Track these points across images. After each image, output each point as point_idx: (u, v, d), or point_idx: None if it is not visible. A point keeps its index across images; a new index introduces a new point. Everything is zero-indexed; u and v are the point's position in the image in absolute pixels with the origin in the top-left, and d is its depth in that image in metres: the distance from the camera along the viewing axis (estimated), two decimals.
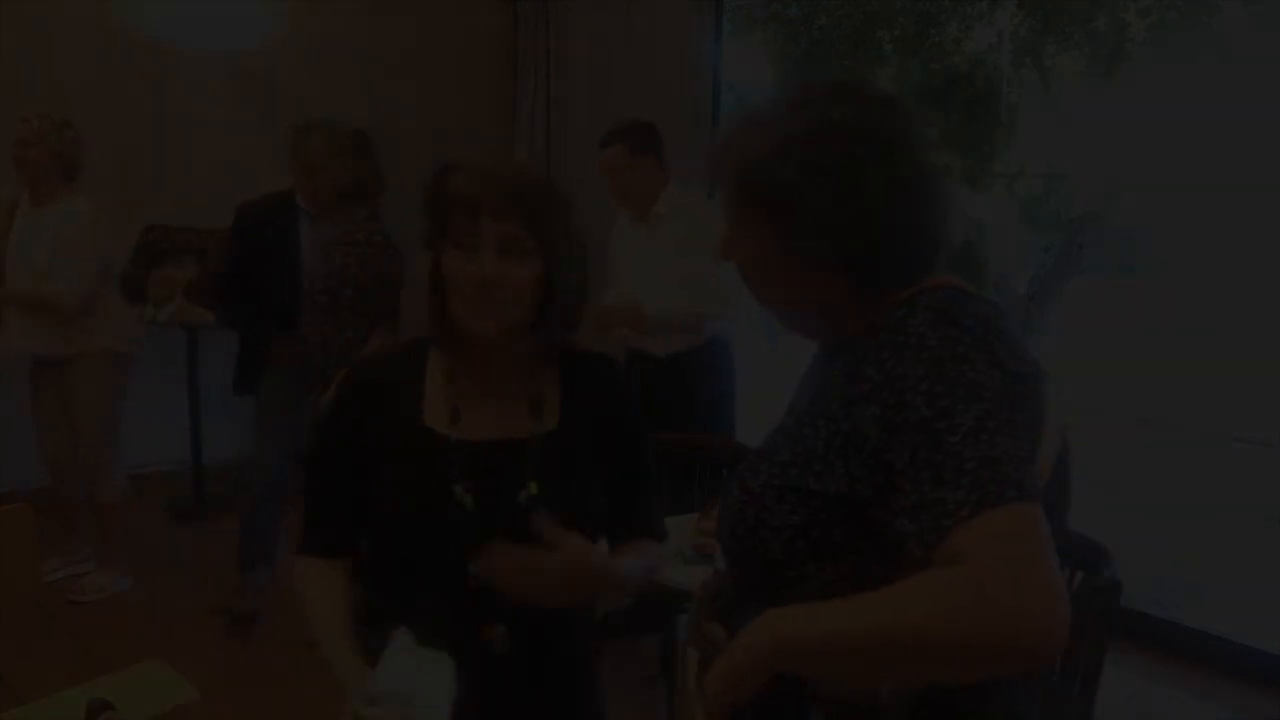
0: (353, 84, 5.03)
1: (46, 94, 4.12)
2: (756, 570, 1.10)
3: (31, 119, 3.52)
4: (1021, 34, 6.37)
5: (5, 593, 2.30)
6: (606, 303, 3.41)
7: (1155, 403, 6.37)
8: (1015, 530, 0.87)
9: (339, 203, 3.27)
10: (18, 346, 3.68)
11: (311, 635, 1.41)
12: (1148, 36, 6.00)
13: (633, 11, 4.89)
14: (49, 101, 3.80)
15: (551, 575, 1.29)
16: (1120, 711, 2.99)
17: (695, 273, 3.25)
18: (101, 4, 4.55)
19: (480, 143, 5.34)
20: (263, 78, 4.83)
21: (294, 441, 3.40)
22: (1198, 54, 5.76)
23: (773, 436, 1.15)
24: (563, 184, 1.45)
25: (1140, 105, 5.95)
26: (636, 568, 1.44)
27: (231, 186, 3.99)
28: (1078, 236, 6.51)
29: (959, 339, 0.99)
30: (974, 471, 0.90)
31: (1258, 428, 5.77)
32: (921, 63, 6.60)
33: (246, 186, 3.85)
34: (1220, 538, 4.77)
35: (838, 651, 0.93)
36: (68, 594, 3.64)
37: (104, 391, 3.68)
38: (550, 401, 1.46)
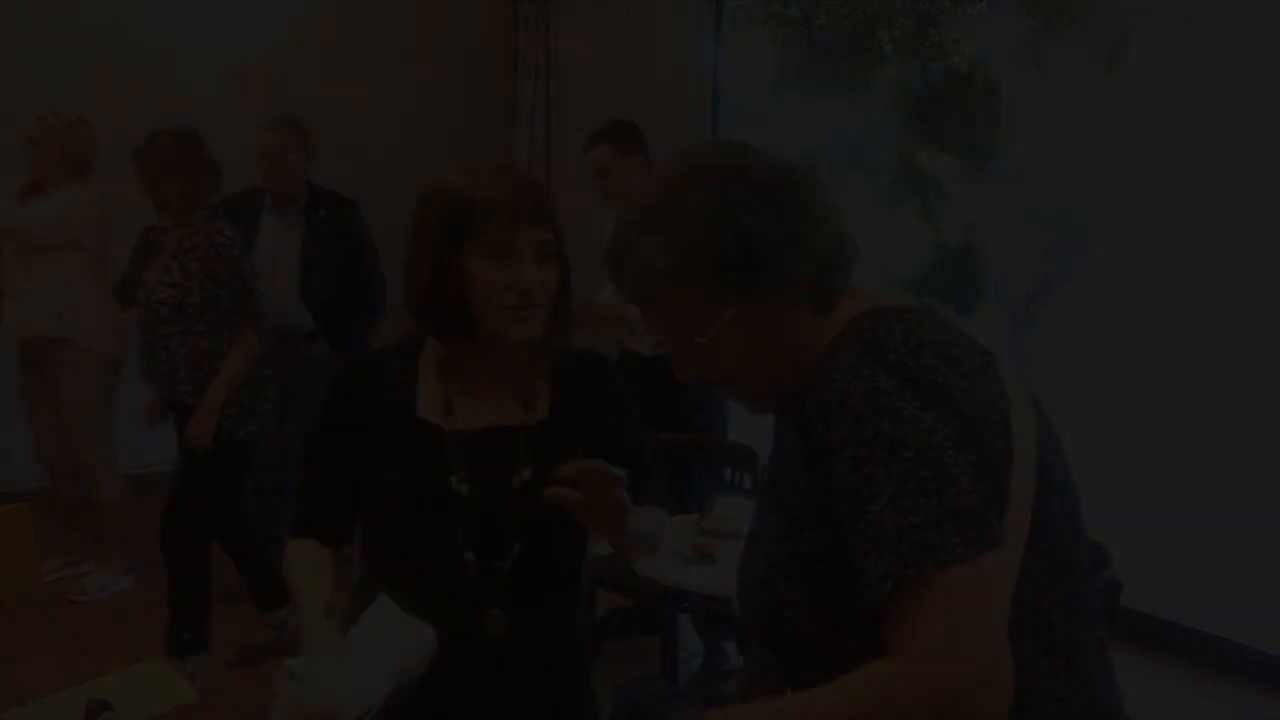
0: (353, 84, 5.04)
1: (47, 93, 4.12)
2: (795, 647, 1.11)
3: (46, 116, 3.54)
4: (1022, 34, 6.36)
5: (5, 593, 2.30)
6: (599, 301, 3.41)
7: (1155, 402, 6.36)
8: (937, 604, 0.91)
9: (185, 206, 3.12)
10: (9, 325, 3.67)
11: (296, 607, 1.43)
12: (1148, 37, 6.00)
13: (633, 11, 4.89)
14: (49, 100, 3.81)
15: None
16: None
17: None
18: (102, 4, 4.55)
19: (480, 143, 5.34)
20: (263, 78, 4.83)
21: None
22: (1199, 54, 5.75)
23: (759, 514, 1.18)
24: (557, 185, 1.48)
25: (1140, 105, 5.94)
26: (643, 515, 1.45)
27: (232, 187, 3.99)
28: (1078, 237, 6.50)
29: (881, 388, 0.99)
30: (894, 542, 0.93)
31: (1258, 428, 5.76)
32: (921, 63, 6.59)
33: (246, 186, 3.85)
34: (1220, 538, 4.76)
35: None
36: (68, 594, 3.65)
37: (93, 392, 3.69)
38: (541, 395, 1.49)
